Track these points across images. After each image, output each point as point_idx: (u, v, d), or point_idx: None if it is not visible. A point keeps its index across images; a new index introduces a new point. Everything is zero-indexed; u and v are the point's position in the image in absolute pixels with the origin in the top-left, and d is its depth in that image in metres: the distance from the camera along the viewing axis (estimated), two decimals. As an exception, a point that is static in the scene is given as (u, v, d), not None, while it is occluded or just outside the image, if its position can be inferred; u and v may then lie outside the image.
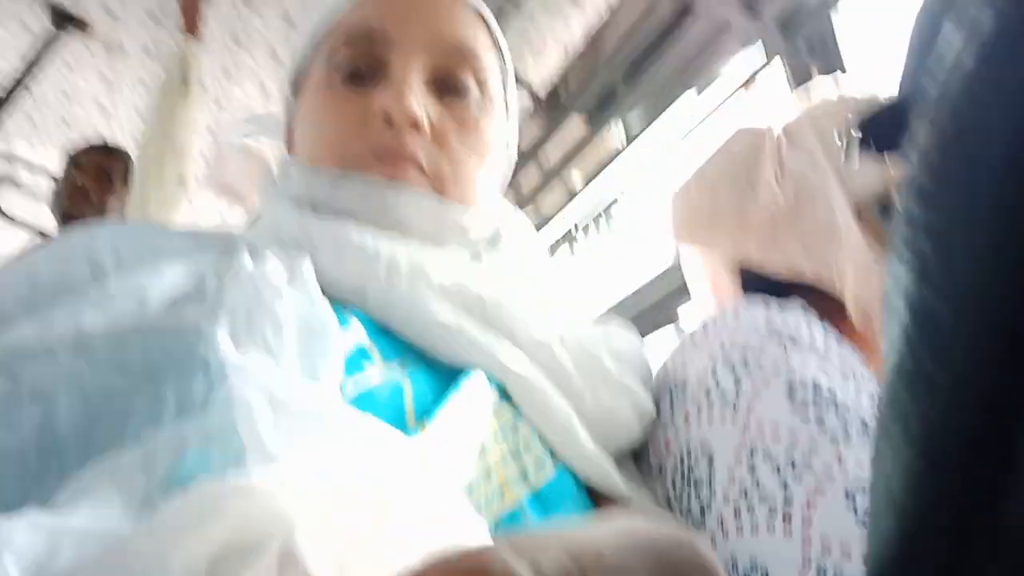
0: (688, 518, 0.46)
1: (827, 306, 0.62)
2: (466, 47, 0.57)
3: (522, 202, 2.09)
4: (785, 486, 0.42)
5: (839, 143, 0.61)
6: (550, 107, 1.86)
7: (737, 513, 0.43)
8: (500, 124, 0.60)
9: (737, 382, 0.47)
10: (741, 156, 0.71)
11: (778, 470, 0.43)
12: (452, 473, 0.36)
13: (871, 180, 0.62)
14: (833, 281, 0.63)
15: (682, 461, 0.48)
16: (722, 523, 0.43)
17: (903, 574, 0.15)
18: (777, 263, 0.65)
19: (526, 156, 1.97)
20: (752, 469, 0.43)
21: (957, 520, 0.15)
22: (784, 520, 0.41)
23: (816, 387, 0.45)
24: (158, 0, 1.96)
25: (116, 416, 0.34)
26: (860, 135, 0.54)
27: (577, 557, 0.14)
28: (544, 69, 1.77)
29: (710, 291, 0.73)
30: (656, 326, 1.63)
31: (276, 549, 0.23)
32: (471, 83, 0.57)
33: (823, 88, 0.73)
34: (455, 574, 0.13)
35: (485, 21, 0.60)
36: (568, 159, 1.91)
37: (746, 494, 0.43)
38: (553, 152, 1.94)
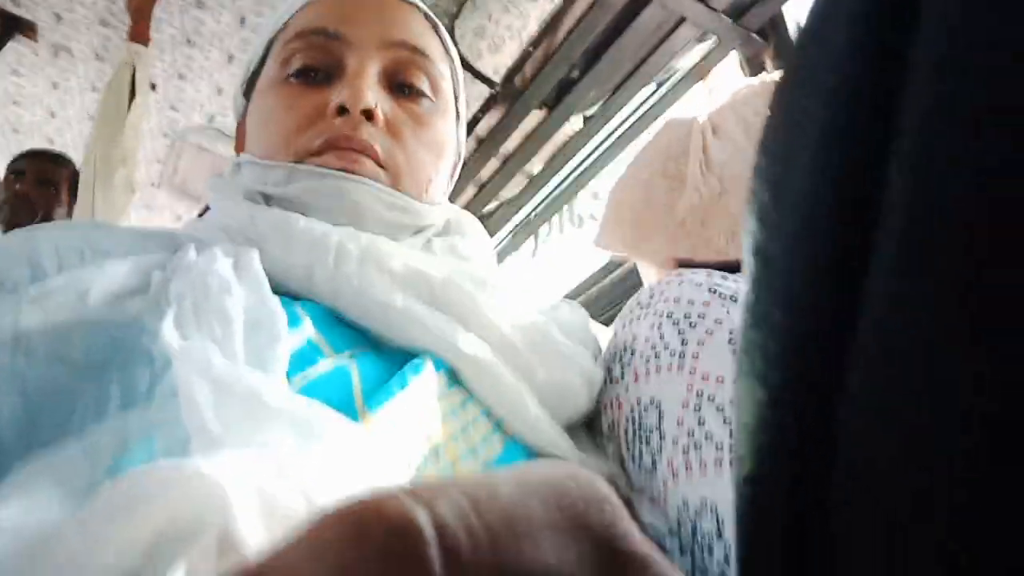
0: (640, 469, 0.47)
1: None
2: (419, 50, 0.57)
3: (483, 197, 2.09)
4: (728, 422, 0.43)
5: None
6: (509, 97, 1.87)
7: (685, 452, 0.44)
8: (451, 127, 0.61)
9: (682, 336, 0.49)
10: (669, 149, 0.72)
11: (721, 410, 0.44)
12: (396, 455, 0.36)
13: None
14: None
15: (632, 413, 0.49)
16: (672, 467, 0.44)
17: (753, 499, 0.16)
18: (707, 254, 0.67)
19: (486, 146, 1.97)
20: (698, 409, 0.45)
21: (795, 443, 0.16)
22: (730, 453, 0.42)
23: None
24: (107, 3, 1.92)
25: (59, 411, 0.34)
26: None
27: (472, 496, 0.14)
28: (501, 60, 1.77)
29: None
30: (614, 310, 1.65)
31: (214, 533, 0.23)
32: (424, 84, 0.57)
33: (755, 79, 0.75)
34: (352, 520, 0.13)
35: (436, 30, 0.62)
36: (527, 149, 1.91)
37: (692, 434, 0.44)
38: (512, 142, 1.94)
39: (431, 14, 0.62)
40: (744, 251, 0.18)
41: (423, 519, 0.13)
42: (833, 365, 0.15)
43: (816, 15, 0.18)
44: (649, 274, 0.74)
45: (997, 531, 0.12)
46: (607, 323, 0.64)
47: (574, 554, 0.14)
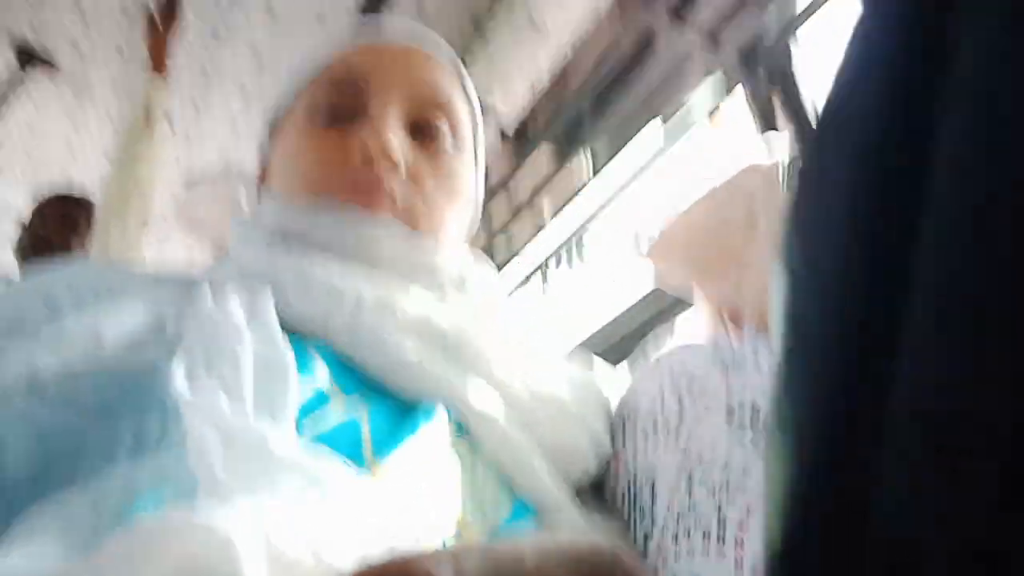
0: (637, 545, 0.47)
1: None
2: (441, 96, 0.59)
3: (493, 234, 2.10)
4: (719, 509, 0.43)
5: None
6: (518, 140, 1.89)
7: (676, 539, 0.43)
8: (470, 171, 0.62)
9: (681, 409, 0.48)
10: (754, 196, 0.70)
11: (714, 493, 0.43)
12: (404, 506, 0.36)
13: None
14: None
15: (629, 488, 0.48)
16: (661, 549, 0.44)
17: (786, 567, 0.16)
18: (755, 320, 0.66)
19: (496, 188, 1.98)
20: (690, 494, 0.44)
21: (830, 521, 0.15)
22: (718, 542, 0.42)
23: (754, 409, 0.46)
24: (126, 36, 1.96)
25: (70, 455, 0.34)
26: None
27: (497, 562, 0.14)
28: (512, 102, 1.80)
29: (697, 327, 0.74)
30: (626, 356, 1.64)
31: (222, 584, 0.23)
32: (445, 129, 0.59)
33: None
34: None
35: (459, 75, 0.63)
36: (537, 190, 1.93)
37: (682, 520, 0.44)
38: (522, 183, 1.96)
39: (456, 64, 0.63)
40: (775, 319, 0.18)
41: None
42: (868, 439, 0.15)
43: (842, 81, 0.18)
44: (694, 317, 0.72)
45: None
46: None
47: None
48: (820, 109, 0.20)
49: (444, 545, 0.37)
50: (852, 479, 0.15)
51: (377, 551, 0.27)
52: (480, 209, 0.67)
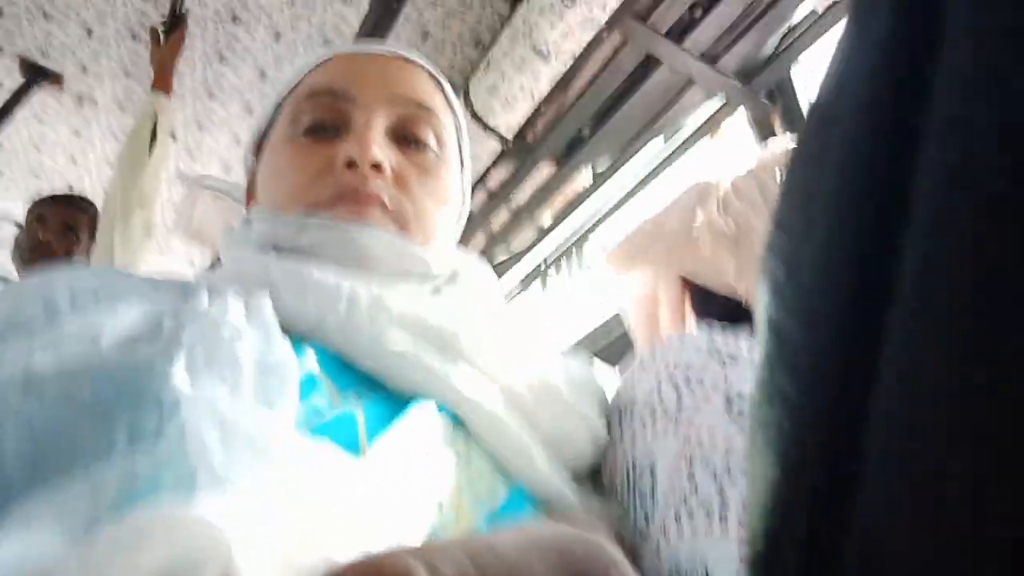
0: (636, 530, 0.47)
1: None
2: (424, 104, 0.60)
3: (494, 241, 2.11)
4: (722, 491, 0.43)
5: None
6: (520, 152, 1.90)
7: (678, 518, 0.44)
8: (455, 175, 0.63)
9: (679, 399, 0.49)
10: (689, 198, 0.76)
11: (715, 476, 0.44)
12: (398, 495, 0.36)
13: None
14: None
15: (628, 475, 0.49)
16: (665, 530, 0.44)
17: (766, 569, 0.16)
18: (715, 282, 0.69)
19: (497, 198, 1.99)
20: (691, 477, 0.45)
21: (808, 526, 0.15)
22: (721, 521, 0.42)
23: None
24: (131, 54, 1.98)
25: (65, 450, 0.34)
26: None
27: (475, 557, 0.14)
28: (513, 117, 1.81)
29: (662, 317, 0.76)
30: (622, 356, 1.64)
31: (214, 574, 0.23)
32: (430, 137, 0.60)
33: (775, 145, 0.78)
34: None
35: (438, 82, 0.64)
36: (537, 200, 1.94)
37: (686, 500, 0.44)
38: (523, 195, 1.97)
39: (435, 72, 0.64)
40: (758, 321, 0.18)
41: None
42: (847, 446, 0.15)
43: (827, 90, 0.19)
44: (665, 296, 0.75)
45: None
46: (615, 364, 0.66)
47: None
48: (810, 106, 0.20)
49: (437, 530, 0.37)
50: (834, 485, 0.15)
51: (371, 540, 0.27)
52: (467, 213, 0.67)
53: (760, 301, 0.19)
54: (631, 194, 1.83)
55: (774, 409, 0.17)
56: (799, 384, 0.16)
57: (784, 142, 0.79)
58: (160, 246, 2.57)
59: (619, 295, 0.84)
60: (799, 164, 0.19)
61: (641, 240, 0.77)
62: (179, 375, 0.35)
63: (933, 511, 0.13)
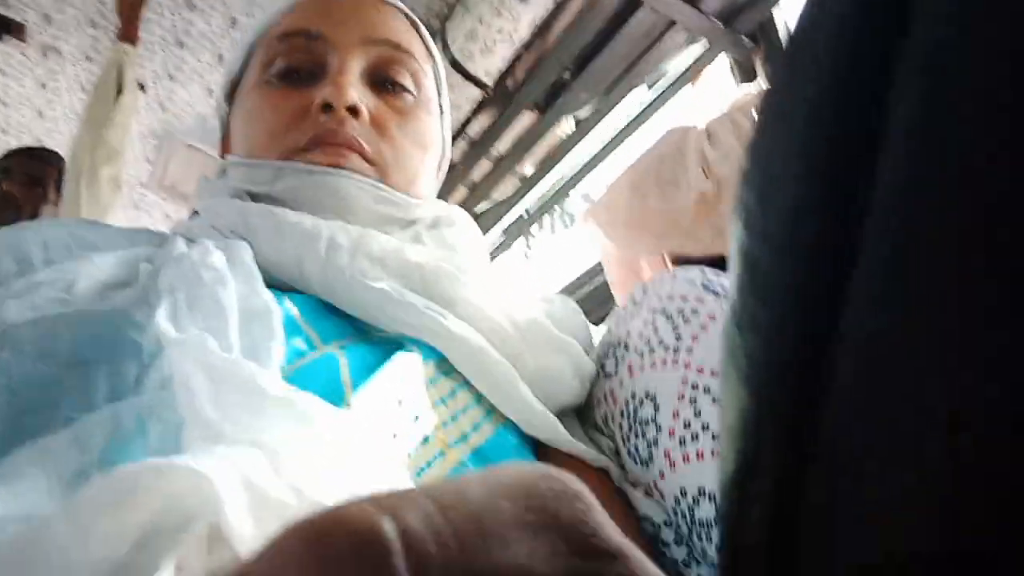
0: (637, 462, 0.48)
1: None
2: (401, 47, 0.58)
3: (476, 192, 2.09)
4: None
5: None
6: (501, 100, 1.87)
7: (683, 443, 0.44)
8: (435, 119, 0.61)
9: (676, 330, 0.49)
10: (667, 156, 0.74)
11: (717, 401, 0.44)
12: (385, 440, 0.36)
13: None
14: None
15: (627, 407, 0.49)
16: (668, 456, 0.45)
17: (740, 491, 0.16)
18: (695, 250, 0.69)
19: (478, 148, 1.97)
20: (693, 402, 0.45)
21: (776, 447, 0.15)
22: None
23: None
24: (97, 5, 1.91)
25: (45, 403, 0.33)
26: None
27: (438, 500, 0.14)
28: (493, 63, 1.78)
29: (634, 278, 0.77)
30: (602, 307, 1.65)
31: (204, 526, 0.23)
32: (407, 80, 0.58)
33: (751, 88, 0.77)
34: (316, 532, 0.13)
35: (416, 28, 0.62)
36: (519, 150, 1.92)
37: (689, 425, 0.44)
38: (504, 143, 1.94)
39: (411, 13, 0.62)
40: (731, 254, 0.18)
41: (388, 527, 0.13)
42: (817, 368, 0.15)
43: (803, 23, 0.18)
44: (631, 270, 0.76)
45: (980, 527, 0.12)
46: (596, 323, 0.66)
47: (546, 552, 0.14)
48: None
49: (423, 469, 0.38)
50: (802, 406, 0.15)
51: (359, 487, 0.27)
52: (447, 162, 0.66)
53: (733, 230, 0.19)
54: (614, 143, 1.82)
55: (746, 336, 0.17)
56: (770, 310, 0.16)
57: (760, 85, 0.79)
58: (135, 201, 2.53)
59: (599, 253, 0.84)
60: (774, 93, 0.18)
61: (617, 231, 0.76)
62: (163, 322, 0.34)
63: (898, 432, 0.13)
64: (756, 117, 0.64)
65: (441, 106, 0.63)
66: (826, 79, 0.16)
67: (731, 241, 0.19)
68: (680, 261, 0.71)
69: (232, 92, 0.62)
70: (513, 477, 0.15)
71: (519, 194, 2.02)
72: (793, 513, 0.15)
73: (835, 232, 0.15)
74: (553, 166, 1.90)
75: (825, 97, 0.16)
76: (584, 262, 1.81)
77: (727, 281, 0.53)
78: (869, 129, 0.15)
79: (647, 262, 0.75)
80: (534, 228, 2.13)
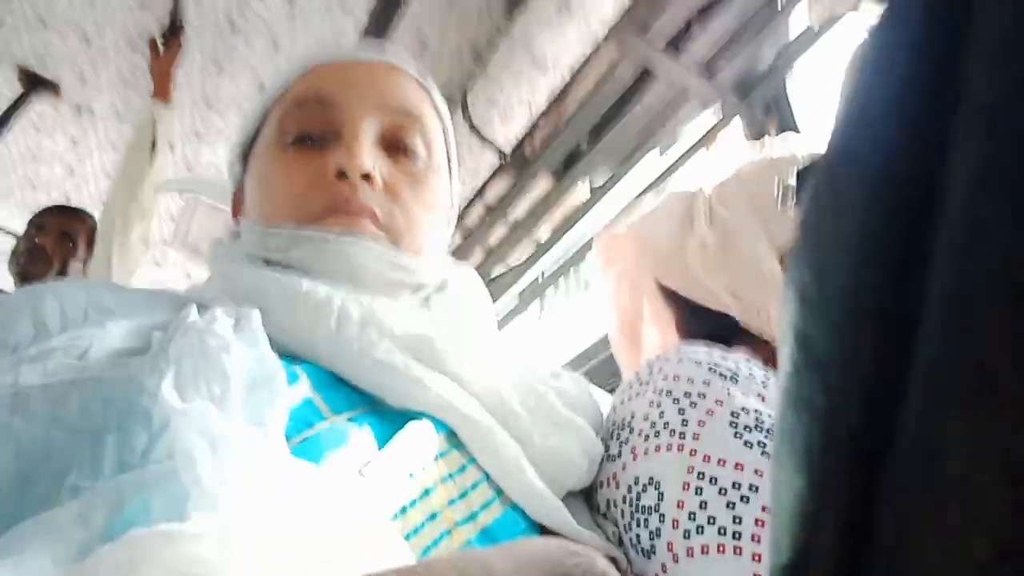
0: (639, 549, 0.46)
1: (767, 353, 0.63)
2: (412, 111, 0.60)
3: (492, 256, 2.10)
4: (732, 506, 0.43)
5: (774, 196, 0.65)
6: (518, 166, 1.90)
7: (687, 536, 0.43)
8: (445, 182, 0.63)
9: (681, 414, 0.48)
10: (675, 210, 0.75)
11: (724, 492, 0.43)
12: (389, 513, 0.35)
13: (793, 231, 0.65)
14: (760, 323, 0.65)
15: (630, 493, 0.48)
16: (672, 548, 0.44)
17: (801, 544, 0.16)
18: (708, 301, 0.68)
19: (494, 212, 1.99)
20: (699, 492, 0.44)
21: (835, 538, 0.15)
22: (734, 538, 0.41)
23: (758, 418, 0.47)
24: (129, 64, 1.98)
25: (53, 470, 0.34)
26: (795, 188, 0.58)
27: (466, 573, 0.14)
28: (511, 130, 1.81)
29: (647, 336, 0.76)
30: (611, 378, 1.64)
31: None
32: (418, 144, 0.59)
33: (756, 152, 0.78)
34: None
35: (426, 88, 0.64)
36: (535, 216, 1.94)
37: (694, 518, 0.43)
38: (520, 208, 1.97)
39: (422, 79, 0.64)
40: (780, 333, 0.18)
41: None
42: (876, 455, 0.15)
43: (857, 97, 0.18)
44: (643, 296, 0.75)
45: None
46: (612, 391, 0.65)
47: None
48: (829, 134, 0.19)
49: (429, 547, 0.37)
50: (860, 496, 0.15)
51: (365, 560, 0.26)
52: (455, 217, 0.67)
53: (784, 303, 0.18)
54: (628, 208, 1.83)
55: (801, 419, 0.16)
56: (827, 393, 0.16)
57: (766, 149, 0.79)
58: (157, 259, 2.57)
59: (603, 303, 0.84)
60: (829, 162, 0.18)
61: (628, 246, 0.77)
62: (168, 391, 0.35)
63: (958, 526, 0.13)
64: (770, 184, 0.64)
65: (450, 166, 0.65)
66: (883, 159, 0.16)
67: (781, 319, 0.18)
68: (689, 311, 0.70)
69: (245, 154, 0.63)
70: (538, 551, 0.15)
71: (534, 258, 2.04)
72: None
73: (892, 318, 0.15)
74: (568, 230, 1.91)
75: (882, 173, 0.16)
76: (599, 329, 1.81)
77: (733, 364, 0.52)
78: (924, 214, 0.15)
79: (650, 305, 0.75)
80: (549, 291, 2.13)
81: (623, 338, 0.80)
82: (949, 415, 0.13)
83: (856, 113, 0.17)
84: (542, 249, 2.01)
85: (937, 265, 0.14)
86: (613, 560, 0.47)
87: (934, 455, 0.14)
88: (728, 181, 0.74)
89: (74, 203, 2.09)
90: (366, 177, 0.54)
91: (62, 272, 1.79)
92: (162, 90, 1.75)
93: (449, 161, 0.64)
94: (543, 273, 2.13)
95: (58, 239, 1.81)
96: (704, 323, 0.69)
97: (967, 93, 0.15)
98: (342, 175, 0.54)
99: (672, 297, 0.72)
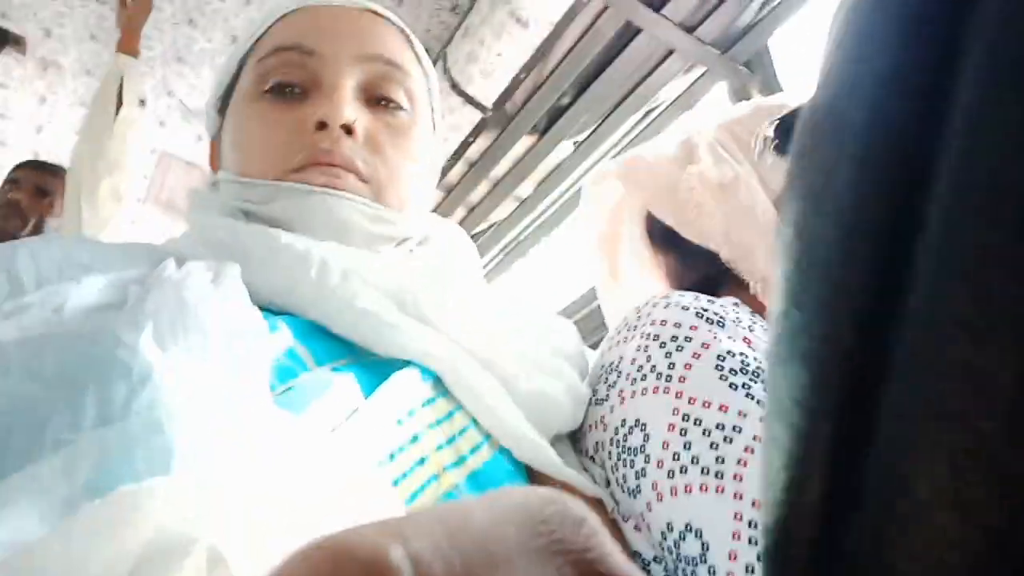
0: (624, 489, 0.47)
1: (753, 301, 0.64)
2: (394, 62, 0.58)
3: (474, 213, 2.09)
4: (716, 447, 0.43)
5: (756, 146, 0.64)
6: (499, 123, 1.88)
7: (671, 475, 0.44)
8: (428, 135, 0.61)
9: (668, 358, 0.49)
10: (675, 143, 0.74)
11: (708, 433, 0.44)
12: (377, 460, 0.36)
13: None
14: (749, 265, 0.65)
15: (617, 435, 0.49)
16: (656, 487, 0.45)
17: (783, 535, 0.16)
18: (701, 239, 0.68)
19: (477, 169, 1.97)
20: (684, 433, 0.45)
21: (824, 489, 0.15)
22: (716, 477, 0.42)
23: (743, 361, 0.47)
24: (97, 18, 1.92)
25: (32, 426, 0.33)
26: (775, 138, 0.58)
27: (445, 525, 0.13)
28: (492, 85, 1.79)
29: (622, 252, 0.76)
30: (600, 332, 1.65)
31: (202, 549, 0.23)
32: (400, 96, 0.58)
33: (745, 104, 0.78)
34: (325, 560, 0.12)
35: (410, 43, 0.62)
36: (517, 173, 1.92)
37: (678, 457, 0.44)
38: (502, 166, 1.95)
39: (405, 28, 0.62)
40: (781, 236, 0.18)
41: (397, 554, 0.13)
42: (869, 404, 0.15)
43: (840, 76, 0.18)
44: (625, 220, 0.75)
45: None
46: (594, 347, 0.65)
47: None
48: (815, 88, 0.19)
49: (417, 492, 0.37)
50: (852, 445, 0.15)
51: (351, 513, 0.27)
52: (439, 173, 0.66)
53: (788, 210, 0.18)
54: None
55: (804, 311, 0.16)
56: (831, 282, 0.16)
57: (752, 103, 0.78)
58: (133, 216, 2.53)
59: (582, 223, 0.83)
60: (832, 78, 0.18)
61: (621, 177, 0.76)
62: (147, 345, 0.34)
63: (949, 479, 0.13)
64: (759, 130, 0.63)
65: (434, 120, 0.63)
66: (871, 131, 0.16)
67: (776, 260, 0.18)
68: (660, 229, 0.71)
69: (223, 102, 0.61)
70: (518, 501, 0.15)
71: (517, 216, 2.03)
72: (838, 559, 0.15)
73: (890, 252, 0.15)
74: (552, 188, 1.91)
75: (871, 151, 0.16)
76: (580, 286, 1.81)
77: (720, 309, 0.53)
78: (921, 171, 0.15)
79: (628, 227, 0.74)
80: (532, 250, 2.13)
81: (598, 254, 0.80)
82: (949, 341, 0.13)
83: (850, 47, 0.17)
84: (525, 206, 2.00)
85: (936, 189, 0.14)
86: (598, 502, 0.47)
87: (930, 388, 0.14)
88: (727, 123, 0.74)
89: (44, 159, 2.04)
90: (347, 129, 0.53)
91: (38, 229, 1.75)
92: (129, 43, 1.70)
93: (433, 115, 0.63)
94: (524, 233, 2.12)
95: (33, 195, 1.78)
96: (692, 270, 0.69)
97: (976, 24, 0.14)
98: (322, 126, 0.53)
99: (661, 238, 0.72)
